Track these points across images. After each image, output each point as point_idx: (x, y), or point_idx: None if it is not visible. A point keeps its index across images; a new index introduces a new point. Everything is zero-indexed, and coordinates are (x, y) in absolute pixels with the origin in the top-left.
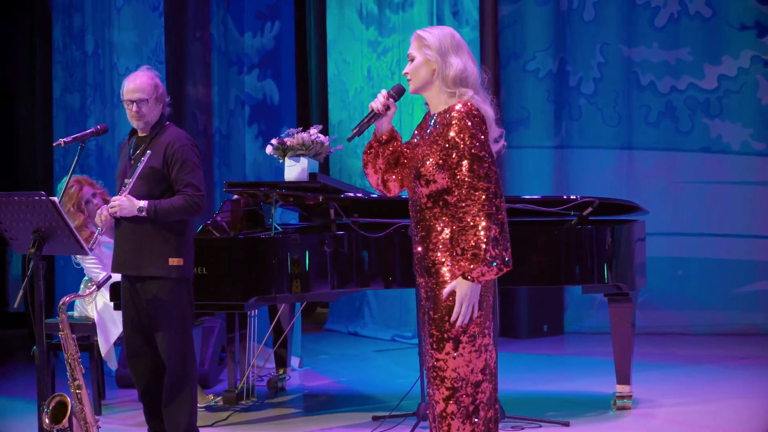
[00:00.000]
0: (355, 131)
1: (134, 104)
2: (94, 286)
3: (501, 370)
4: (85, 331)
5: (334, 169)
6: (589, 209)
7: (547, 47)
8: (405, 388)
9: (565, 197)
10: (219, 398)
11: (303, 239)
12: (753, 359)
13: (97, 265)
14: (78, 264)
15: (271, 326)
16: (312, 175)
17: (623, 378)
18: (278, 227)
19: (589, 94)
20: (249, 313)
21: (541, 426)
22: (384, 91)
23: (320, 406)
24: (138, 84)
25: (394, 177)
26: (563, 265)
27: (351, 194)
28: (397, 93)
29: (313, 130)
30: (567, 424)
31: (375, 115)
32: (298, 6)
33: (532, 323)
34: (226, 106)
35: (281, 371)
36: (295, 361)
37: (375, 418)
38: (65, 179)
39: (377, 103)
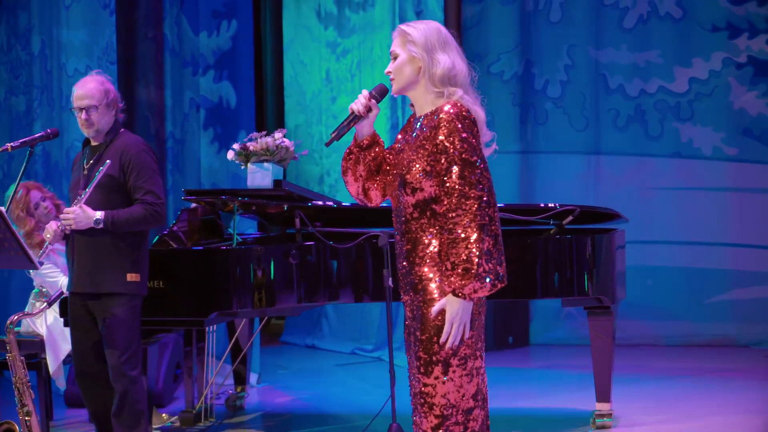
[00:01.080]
0: (333, 135)
1: (83, 111)
2: (45, 304)
3: None
4: (33, 349)
5: (291, 176)
6: (569, 218)
7: (512, 49)
8: (369, 405)
9: (543, 205)
10: (175, 418)
11: (267, 250)
12: (728, 372)
13: (54, 270)
14: (30, 272)
15: (231, 343)
16: (276, 182)
17: (603, 395)
18: (239, 238)
19: (556, 98)
20: (207, 329)
21: None
22: (365, 92)
23: (282, 426)
24: (87, 90)
25: (375, 185)
26: (540, 278)
27: (320, 203)
28: (380, 93)
29: (278, 135)
30: None
31: (355, 118)
32: (254, 5)
33: (498, 335)
34: (180, 109)
35: (240, 389)
36: (253, 378)
37: None
38: (12, 187)
39: (358, 105)
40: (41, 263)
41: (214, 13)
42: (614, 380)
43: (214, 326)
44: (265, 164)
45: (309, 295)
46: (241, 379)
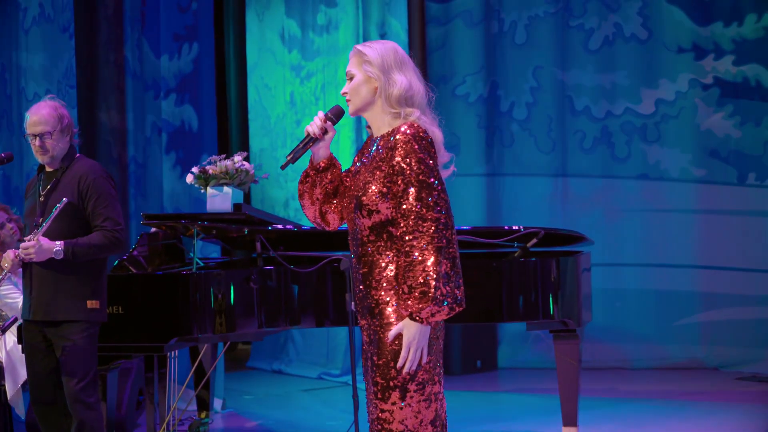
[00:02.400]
0: (289, 158)
1: (37, 138)
2: None
3: None
4: None
5: (256, 200)
6: (534, 240)
7: (477, 71)
8: (334, 430)
9: (507, 228)
10: None
11: (227, 275)
12: (697, 394)
13: (13, 291)
14: None
15: (194, 368)
16: (236, 206)
17: (570, 419)
18: (200, 262)
19: (522, 120)
20: (169, 354)
21: None
22: (321, 113)
23: None
24: (40, 116)
25: (333, 208)
26: (505, 301)
27: (280, 226)
28: (336, 115)
29: (237, 158)
30: None
31: (311, 140)
32: (217, 28)
33: (465, 359)
34: (141, 133)
35: (203, 414)
36: (218, 403)
37: None
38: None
39: (314, 127)
40: None
41: (176, 36)
42: (582, 404)
43: (176, 351)
44: (225, 188)
45: (270, 320)
46: (204, 405)
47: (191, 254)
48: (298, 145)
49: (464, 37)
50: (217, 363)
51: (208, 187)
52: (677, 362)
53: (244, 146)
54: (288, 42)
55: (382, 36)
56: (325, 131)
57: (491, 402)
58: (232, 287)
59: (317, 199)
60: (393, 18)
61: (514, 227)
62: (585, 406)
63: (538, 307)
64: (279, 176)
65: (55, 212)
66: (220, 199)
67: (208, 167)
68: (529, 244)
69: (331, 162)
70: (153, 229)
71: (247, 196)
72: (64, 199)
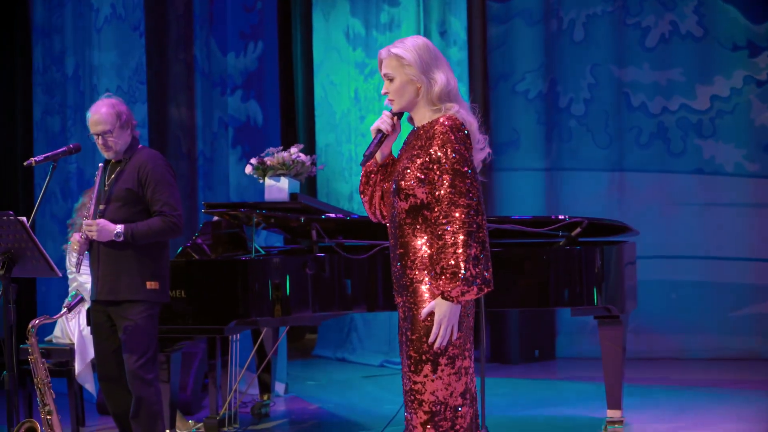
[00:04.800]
0: (366, 155)
1: (99, 137)
2: (65, 309)
3: (490, 395)
4: (63, 357)
5: (322, 193)
6: (578, 230)
7: (536, 68)
8: (392, 413)
9: (553, 217)
10: (200, 425)
11: (284, 262)
12: (747, 383)
13: (87, 275)
14: (69, 277)
15: (254, 350)
16: (293, 196)
17: (614, 402)
18: (261, 249)
19: (580, 116)
20: (231, 337)
21: None
22: (387, 112)
23: None
24: (100, 116)
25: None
26: (552, 288)
27: (333, 215)
28: (399, 113)
29: (294, 149)
30: None
31: (383, 136)
32: (285, 27)
33: (524, 349)
34: (209, 128)
35: (265, 397)
36: (280, 387)
37: None
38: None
39: (385, 124)
40: (78, 273)
41: (242, 34)
42: (633, 390)
43: (238, 336)
44: (282, 178)
45: (324, 305)
46: (266, 388)
47: (251, 242)
48: (372, 143)
49: (524, 36)
50: (279, 348)
51: (266, 178)
52: (732, 353)
53: (311, 141)
54: (353, 40)
55: (442, 34)
56: (393, 128)
57: (549, 389)
58: (288, 274)
59: (379, 198)
60: (453, 17)
61: (560, 217)
62: (635, 393)
63: (582, 293)
64: (344, 170)
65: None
66: (276, 189)
67: (266, 158)
68: (573, 233)
69: (392, 159)
70: (216, 218)
71: (313, 190)
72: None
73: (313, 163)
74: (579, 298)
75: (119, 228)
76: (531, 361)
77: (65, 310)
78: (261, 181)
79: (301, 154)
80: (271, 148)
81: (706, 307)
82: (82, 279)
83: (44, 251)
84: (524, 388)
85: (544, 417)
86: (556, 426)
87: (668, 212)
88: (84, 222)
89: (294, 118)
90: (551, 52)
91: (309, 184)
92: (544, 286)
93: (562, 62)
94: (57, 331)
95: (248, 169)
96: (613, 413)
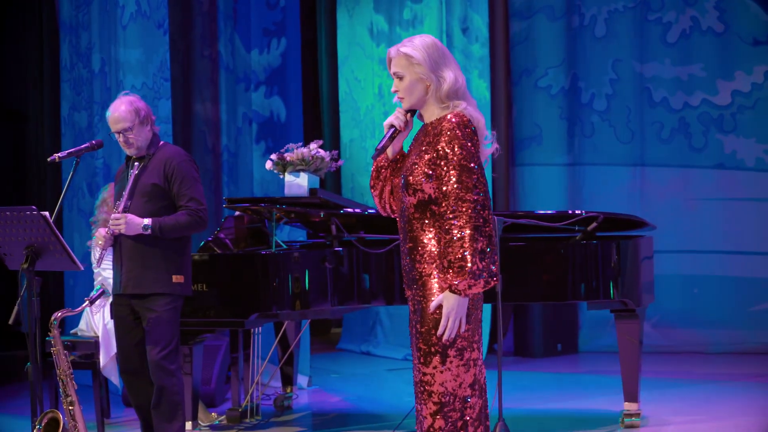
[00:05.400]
0: (378, 149)
1: (120, 135)
2: (87, 302)
3: (511, 389)
4: (88, 349)
5: (346, 187)
6: (594, 224)
7: (559, 64)
8: (411, 405)
9: (570, 212)
10: (223, 417)
11: (302, 255)
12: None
13: (111, 269)
14: (94, 272)
15: (275, 342)
16: (312, 191)
17: (631, 396)
18: (282, 244)
19: (602, 111)
20: (253, 330)
21: None
22: (400, 108)
23: (325, 424)
24: (119, 114)
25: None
26: (570, 282)
27: (350, 210)
28: (411, 110)
29: (313, 145)
30: None
31: (395, 132)
32: (309, 23)
33: (546, 342)
34: (234, 123)
35: (288, 390)
36: (303, 380)
37: None
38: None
39: (398, 120)
40: (99, 265)
41: (265, 31)
42: (654, 384)
43: (260, 329)
44: (302, 174)
45: (342, 298)
46: (288, 380)
47: (272, 237)
48: (385, 138)
49: (546, 31)
50: (302, 341)
51: (286, 173)
52: (753, 347)
53: (335, 137)
54: (376, 36)
55: (464, 30)
56: (406, 124)
57: (570, 382)
58: (307, 268)
59: (389, 192)
60: (474, 13)
61: (576, 212)
62: (655, 386)
63: (599, 288)
64: (368, 165)
65: (131, 180)
66: (296, 184)
67: (285, 154)
68: (589, 228)
69: (403, 154)
70: (237, 213)
71: (338, 184)
72: (136, 164)
73: (333, 159)
74: (595, 292)
75: (147, 221)
76: (554, 354)
77: (87, 302)
78: (281, 176)
79: (320, 150)
80: (291, 144)
81: (728, 302)
82: (105, 274)
83: (66, 245)
84: (545, 382)
85: (562, 410)
86: (573, 419)
87: (689, 207)
88: (111, 216)
89: (319, 114)
90: (573, 47)
91: (334, 178)
92: (562, 281)
93: (584, 58)
94: (82, 325)
95: (268, 165)
96: (630, 406)
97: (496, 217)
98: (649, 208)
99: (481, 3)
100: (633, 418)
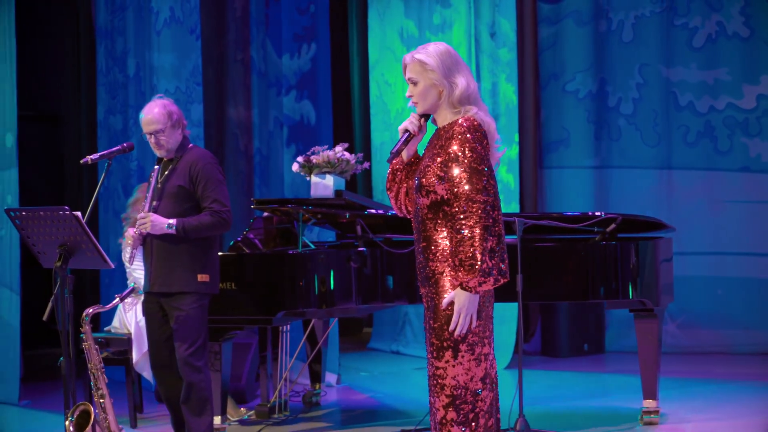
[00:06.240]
0: (393, 152)
1: (152, 136)
2: (117, 298)
3: (535, 388)
4: (121, 346)
5: (377, 189)
6: (613, 225)
7: (586, 68)
8: None
9: (590, 213)
10: (252, 412)
11: (328, 256)
12: None
13: (142, 268)
14: (127, 271)
15: (302, 340)
16: (337, 192)
17: (650, 393)
18: (310, 244)
19: (629, 115)
20: (281, 328)
21: None
22: (414, 113)
23: (352, 420)
24: (151, 117)
25: (410, 200)
26: (590, 282)
27: (374, 210)
28: (425, 115)
29: (339, 148)
30: None
31: (410, 136)
32: (341, 27)
33: (573, 342)
34: (265, 126)
35: (316, 386)
36: (331, 378)
37: None
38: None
39: (412, 125)
40: (131, 264)
41: (296, 36)
42: (676, 383)
43: (288, 327)
44: (327, 176)
45: (366, 297)
46: (316, 378)
47: (301, 237)
48: (399, 142)
49: (574, 36)
50: (330, 340)
51: (312, 175)
52: None
53: (366, 140)
54: (406, 41)
55: (492, 35)
56: (420, 128)
57: (594, 382)
58: (332, 268)
59: (404, 194)
60: (502, 18)
61: (595, 213)
62: (676, 386)
63: (618, 288)
64: None
65: (153, 184)
66: (322, 186)
67: (312, 157)
68: (608, 229)
69: (418, 157)
70: (266, 214)
71: (369, 186)
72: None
73: (359, 161)
74: (614, 292)
75: (171, 221)
76: (580, 354)
77: (117, 299)
78: (308, 178)
79: (345, 153)
80: (317, 147)
81: (752, 303)
82: (136, 274)
83: (98, 244)
84: (570, 381)
85: (584, 408)
86: (594, 416)
87: (715, 209)
88: (138, 216)
89: (350, 117)
90: (601, 52)
91: (364, 180)
92: (582, 280)
93: (611, 62)
94: (115, 322)
95: (295, 167)
96: (648, 403)
97: (516, 219)
98: (675, 210)
99: (510, 8)
100: (652, 416)
